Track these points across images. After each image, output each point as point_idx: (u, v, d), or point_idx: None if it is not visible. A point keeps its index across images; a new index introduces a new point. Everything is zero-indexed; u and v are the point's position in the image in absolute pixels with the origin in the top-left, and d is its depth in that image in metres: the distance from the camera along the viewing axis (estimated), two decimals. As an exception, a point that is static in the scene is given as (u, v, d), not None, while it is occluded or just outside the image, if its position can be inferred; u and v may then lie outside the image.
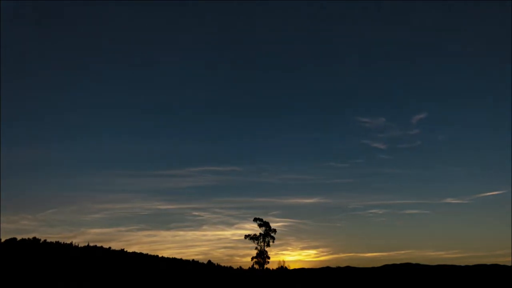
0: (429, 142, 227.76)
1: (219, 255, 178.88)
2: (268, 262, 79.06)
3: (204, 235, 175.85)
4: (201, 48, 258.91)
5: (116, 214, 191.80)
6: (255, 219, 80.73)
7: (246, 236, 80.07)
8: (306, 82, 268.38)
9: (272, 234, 79.65)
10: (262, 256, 78.55)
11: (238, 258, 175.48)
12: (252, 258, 79.02)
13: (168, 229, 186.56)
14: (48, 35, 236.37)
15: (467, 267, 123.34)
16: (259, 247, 79.28)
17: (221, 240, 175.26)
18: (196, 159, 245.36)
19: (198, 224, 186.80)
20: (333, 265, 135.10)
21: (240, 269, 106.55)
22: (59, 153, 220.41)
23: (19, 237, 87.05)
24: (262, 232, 79.96)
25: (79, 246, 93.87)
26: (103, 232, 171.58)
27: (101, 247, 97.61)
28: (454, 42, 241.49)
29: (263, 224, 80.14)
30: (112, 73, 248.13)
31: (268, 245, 79.35)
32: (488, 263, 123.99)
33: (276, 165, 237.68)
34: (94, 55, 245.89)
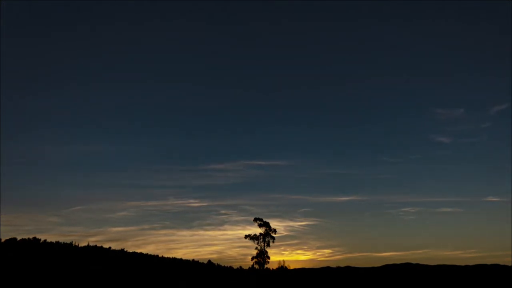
0: (496, 137, 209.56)
1: (233, 254, 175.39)
2: (268, 262, 79.02)
3: (223, 234, 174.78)
4: (243, 43, 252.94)
5: (144, 211, 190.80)
6: (255, 219, 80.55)
7: (246, 236, 79.92)
8: (368, 69, 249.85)
9: (273, 234, 79.53)
10: (262, 256, 78.43)
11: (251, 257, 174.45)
12: (252, 258, 78.97)
13: (190, 227, 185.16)
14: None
15: (467, 267, 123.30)
16: (259, 247, 79.18)
17: (240, 239, 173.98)
18: (239, 153, 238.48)
19: (220, 223, 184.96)
20: (343, 265, 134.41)
21: (240, 269, 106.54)
22: (97, 149, 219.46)
23: (19, 237, 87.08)
24: (262, 232, 79.82)
25: (79, 246, 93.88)
26: (125, 230, 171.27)
27: (101, 247, 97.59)
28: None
29: (263, 224, 79.98)
30: (142, 70, 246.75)
31: (268, 245, 79.27)
32: (489, 263, 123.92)
33: (321, 159, 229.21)
34: (120, 53, 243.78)
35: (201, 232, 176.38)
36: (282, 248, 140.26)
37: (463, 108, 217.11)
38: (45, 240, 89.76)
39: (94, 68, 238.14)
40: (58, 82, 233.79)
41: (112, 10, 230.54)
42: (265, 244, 79.16)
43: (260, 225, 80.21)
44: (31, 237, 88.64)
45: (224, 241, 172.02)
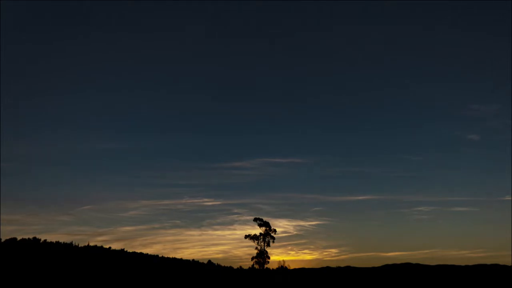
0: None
1: (239, 254, 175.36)
2: (268, 262, 78.97)
3: (232, 234, 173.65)
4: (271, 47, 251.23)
5: (157, 210, 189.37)
6: (255, 219, 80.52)
7: (246, 236, 79.88)
8: (384, 69, 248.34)
9: (273, 234, 79.46)
10: (262, 256, 78.38)
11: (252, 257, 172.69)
12: (252, 258, 78.91)
13: (200, 226, 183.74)
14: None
15: (467, 267, 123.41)
16: (259, 247, 79.12)
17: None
18: (257, 151, 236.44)
19: (230, 222, 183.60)
20: (347, 265, 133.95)
21: (240, 269, 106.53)
22: (113, 147, 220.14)
23: (25, 236, 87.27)
24: (262, 232, 79.78)
25: (79, 245, 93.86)
26: (134, 229, 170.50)
27: (101, 247, 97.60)
28: None
29: (263, 224, 79.94)
30: (156, 69, 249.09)
31: (268, 245, 79.23)
32: (489, 263, 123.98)
33: (341, 157, 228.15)
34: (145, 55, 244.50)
35: (210, 232, 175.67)
36: (289, 247, 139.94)
37: (502, 104, 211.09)
38: (45, 240, 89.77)
39: (101, 67, 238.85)
40: (65, 82, 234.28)
41: (113, 11, 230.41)
42: (265, 244, 79.17)
43: (260, 225, 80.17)
44: (31, 237, 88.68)
45: (232, 240, 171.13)
